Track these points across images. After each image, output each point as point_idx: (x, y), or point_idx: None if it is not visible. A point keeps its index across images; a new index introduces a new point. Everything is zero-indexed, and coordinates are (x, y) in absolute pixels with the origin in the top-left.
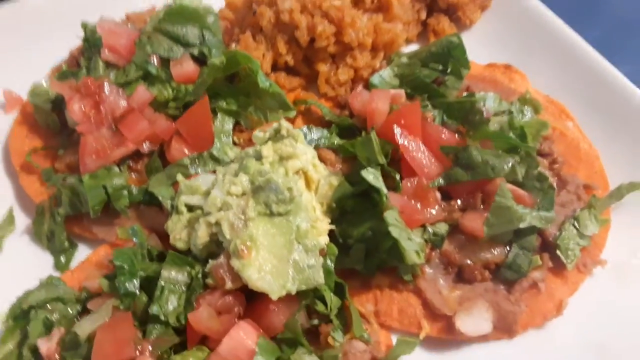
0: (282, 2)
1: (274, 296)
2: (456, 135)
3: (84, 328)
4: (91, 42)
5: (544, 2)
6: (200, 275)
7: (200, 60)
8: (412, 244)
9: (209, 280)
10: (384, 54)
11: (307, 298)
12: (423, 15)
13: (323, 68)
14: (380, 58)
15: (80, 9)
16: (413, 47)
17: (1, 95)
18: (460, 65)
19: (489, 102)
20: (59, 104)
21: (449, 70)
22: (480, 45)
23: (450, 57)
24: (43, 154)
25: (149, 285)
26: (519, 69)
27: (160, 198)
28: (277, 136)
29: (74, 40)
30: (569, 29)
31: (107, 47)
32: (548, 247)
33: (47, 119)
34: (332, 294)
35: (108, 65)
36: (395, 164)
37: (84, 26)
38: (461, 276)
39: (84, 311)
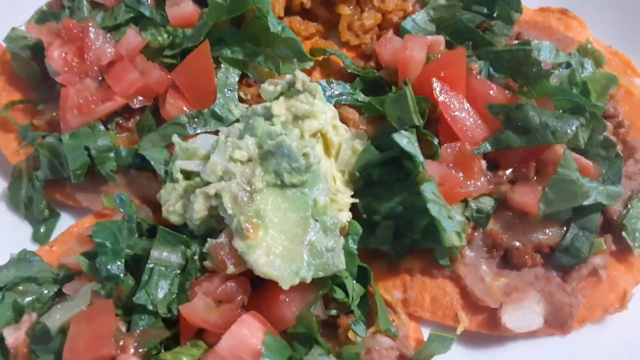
0: None
1: (285, 285)
2: (506, 92)
3: (54, 319)
4: None
5: None
6: (196, 257)
7: (201, 1)
8: (452, 224)
9: (207, 263)
10: None
11: (325, 287)
12: None
13: (345, 11)
14: (413, 0)
15: None
16: None
17: None
18: (510, 8)
19: (545, 52)
20: (39, 51)
21: (495, 14)
22: None
23: None
24: (22, 109)
25: (137, 265)
26: (577, 15)
27: (152, 162)
28: (290, 90)
29: None
30: None
31: None
32: (611, 227)
33: (26, 68)
34: (354, 281)
35: (94, 5)
36: (432, 126)
37: None
38: (507, 261)
39: (62, 293)
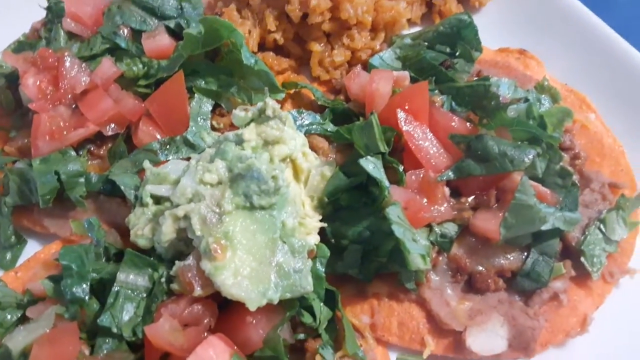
0: None
1: (252, 306)
2: (467, 124)
3: (17, 341)
4: (54, 12)
5: None
6: (163, 280)
7: (177, 34)
8: (417, 247)
9: (174, 286)
10: (385, 36)
11: (292, 309)
12: None
13: (316, 48)
14: (381, 39)
15: None
16: (416, 30)
17: None
18: (471, 47)
19: (503, 89)
20: (14, 80)
21: (457, 53)
22: (490, 29)
23: (460, 38)
24: None
25: (103, 290)
26: (534, 55)
27: (122, 187)
28: (261, 117)
29: (40, 13)
30: (589, 12)
31: (70, 16)
32: (570, 253)
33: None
34: (322, 304)
35: (71, 36)
36: (397, 155)
37: None
38: (471, 285)
39: (26, 319)
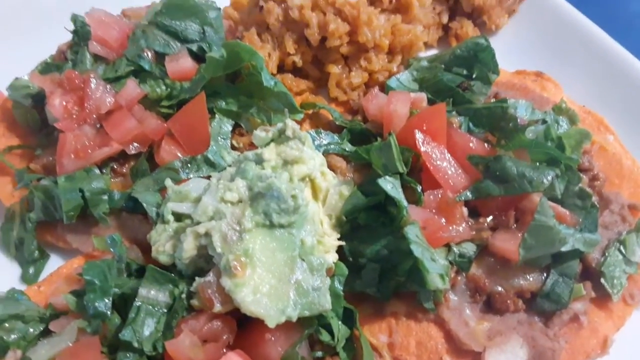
0: None
1: (271, 323)
2: (485, 145)
3: (40, 354)
4: (80, 35)
5: (577, 7)
6: (184, 296)
7: (200, 57)
8: (435, 266)
9: (194, 302)
10: (402, 58)
11: (310, 326)
12: (445, 19)
13: (334, 70)
14: (398, 62)
15: (74, 4)
16: (433, 53)
17: None
18: (488, 70)
19: (521, 110)
20: (40, 100)
21: (474, 75)
22: (507, 52)
23: (477, 61)
24: (19, 154)
25: (125, 305)
26: (551, 77)
27: (144, 205)
28: (281, 137)
29: (66, 36)
30: (606, 34)
31: (96, 39)
32: (590, 274)
33: (26, 115)
34: (339, 322)
35: (96, 59)
36: (415, 175)
37: (74, 18)
38: (490, 305)
39: (48, 332)
